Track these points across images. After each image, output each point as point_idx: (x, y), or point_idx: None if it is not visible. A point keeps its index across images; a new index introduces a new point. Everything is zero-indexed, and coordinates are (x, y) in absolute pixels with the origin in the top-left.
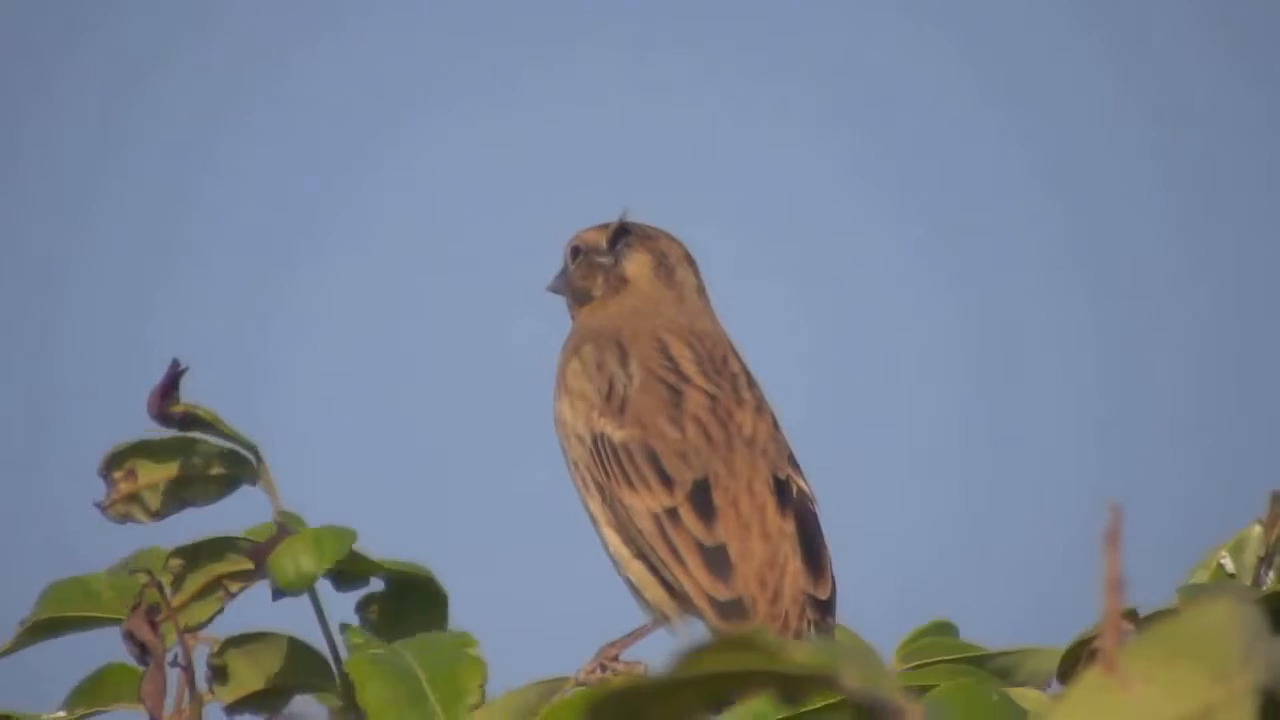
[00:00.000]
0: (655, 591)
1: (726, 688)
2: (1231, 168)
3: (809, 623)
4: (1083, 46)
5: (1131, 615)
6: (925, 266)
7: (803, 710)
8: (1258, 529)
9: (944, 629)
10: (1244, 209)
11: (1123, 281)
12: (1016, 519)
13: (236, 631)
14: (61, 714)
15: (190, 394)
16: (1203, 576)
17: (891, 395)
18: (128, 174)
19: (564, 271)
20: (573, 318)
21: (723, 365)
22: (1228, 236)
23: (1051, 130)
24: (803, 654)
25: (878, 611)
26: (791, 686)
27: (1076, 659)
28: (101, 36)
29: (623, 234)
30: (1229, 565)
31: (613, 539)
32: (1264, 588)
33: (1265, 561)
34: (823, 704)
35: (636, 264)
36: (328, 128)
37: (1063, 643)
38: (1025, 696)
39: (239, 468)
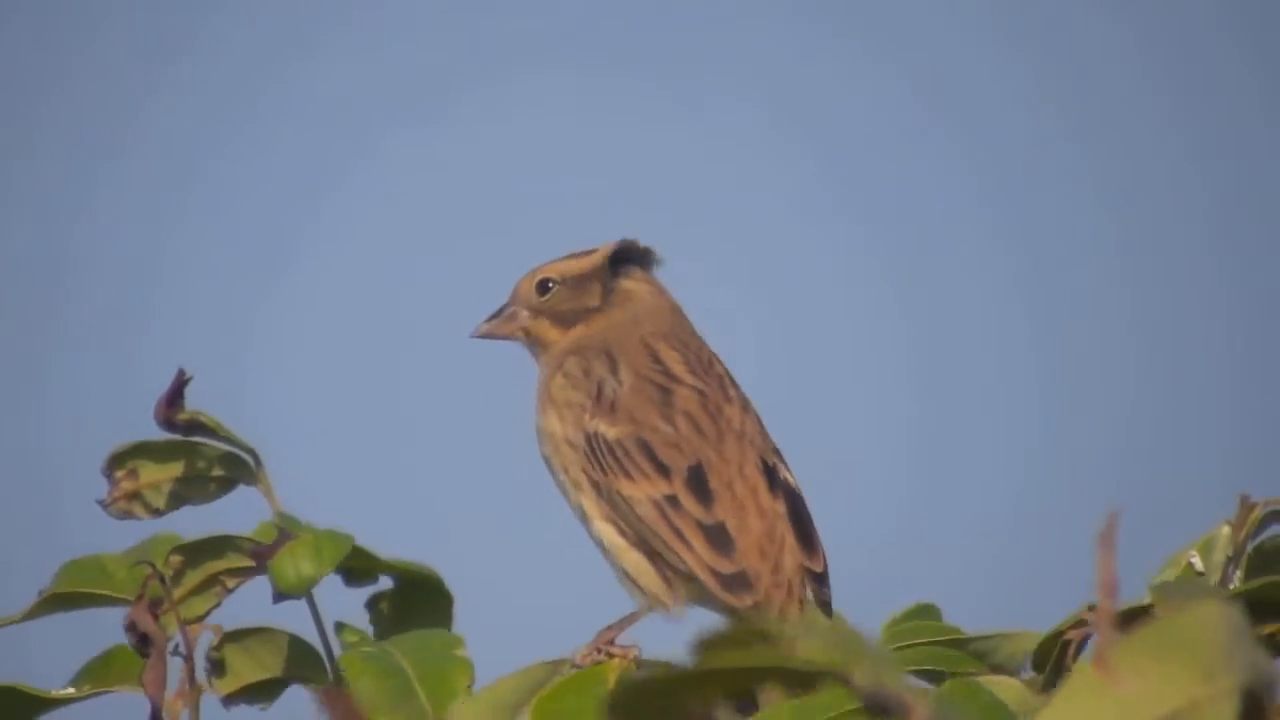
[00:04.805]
0: (650, 578)
1: (742, 681)
2: (1168, 162)
3: (808, 593)
4: (1024, 63)
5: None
6: (876, 264)
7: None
8: (1226, 530)
9: (927, 612)
10: (1184, 199)
11: (1072, 261)
12: (964, 507)
13: (234, 626)
14: (70, 690)
15: (192, 396)
16: (1171, 574)
17: (839, 392)
18: (125, 179)
19: (512, 311)
20: (545, 346)
21: (709, 366)
22: (1172, 227)
23: (990, 138)
24: (814, 650)
25: (842, 593)
26: (803, 681)
27: (1051, 650)
28: (92, 46)
29: (623, 255)
30: (1198, 564)
31: (608, 531)
32: (1231, 587)
33: (1233, 561)
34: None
35: (635, 279)
36: (326, 133)
37: (1020, 625)
38: (1002, 684)
39: (238, 470)
